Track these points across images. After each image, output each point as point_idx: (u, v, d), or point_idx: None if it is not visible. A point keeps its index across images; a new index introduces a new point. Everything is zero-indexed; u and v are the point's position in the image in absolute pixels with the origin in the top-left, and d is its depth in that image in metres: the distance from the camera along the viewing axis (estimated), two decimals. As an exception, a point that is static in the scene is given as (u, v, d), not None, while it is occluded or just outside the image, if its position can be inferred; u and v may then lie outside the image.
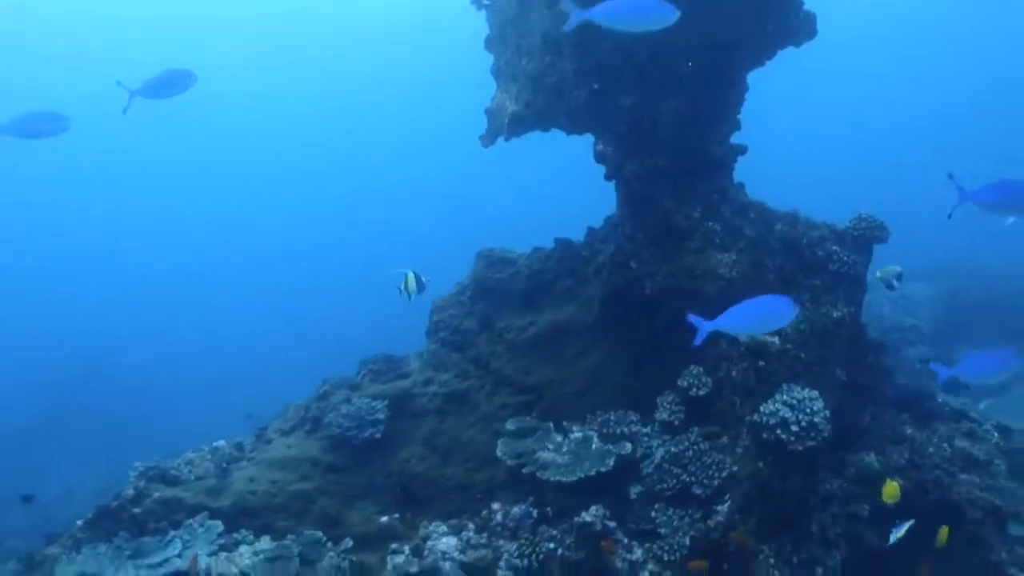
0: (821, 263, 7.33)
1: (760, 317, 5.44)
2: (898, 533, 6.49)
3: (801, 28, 7.14)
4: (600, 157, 6.92)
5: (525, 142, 8.00)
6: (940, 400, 8.03)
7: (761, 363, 6.49)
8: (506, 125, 7.56)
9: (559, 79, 7.03)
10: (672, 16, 5.25)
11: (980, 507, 7.33)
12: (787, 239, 7.37)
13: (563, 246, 7.84)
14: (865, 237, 7.39)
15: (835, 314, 7.16)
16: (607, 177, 6.99)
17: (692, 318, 5.36)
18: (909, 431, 7.61)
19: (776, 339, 6.63)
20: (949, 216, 5.41)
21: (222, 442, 8.04)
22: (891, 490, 6.56)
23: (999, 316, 14.04)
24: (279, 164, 45.45)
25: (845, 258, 7.25)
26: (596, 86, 6.84)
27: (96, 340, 26.21)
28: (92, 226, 41.26)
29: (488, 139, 8.00)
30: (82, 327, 28.19)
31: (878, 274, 7.39)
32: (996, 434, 7.96)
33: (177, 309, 31.43)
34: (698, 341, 5.37)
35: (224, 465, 7.57)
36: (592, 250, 7.69)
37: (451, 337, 7.80)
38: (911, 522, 6.51)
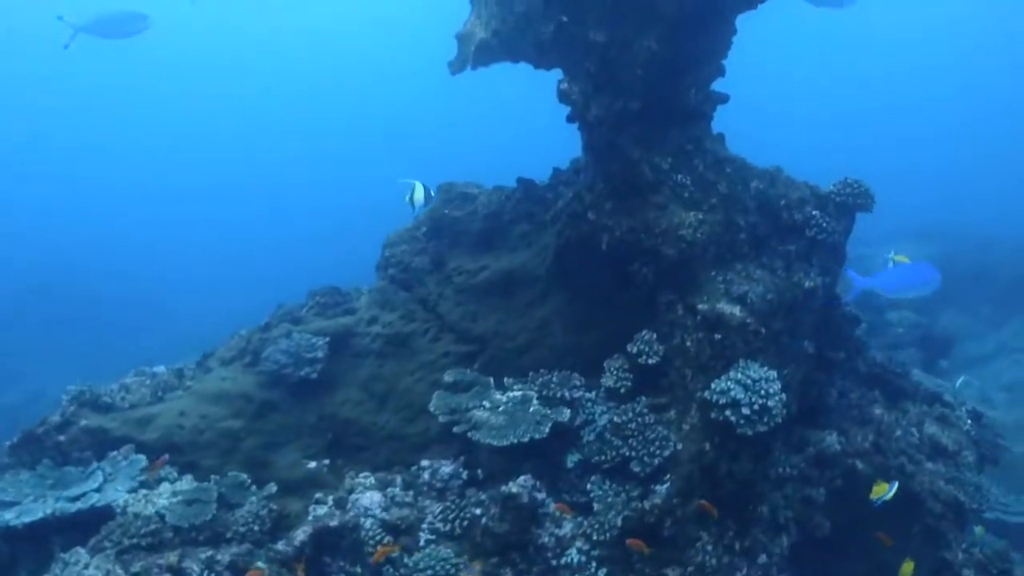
0: (798, 227, 6.61)
1: (912, 282, 5.37)
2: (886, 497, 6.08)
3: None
4: (563, 96, 6.17)
5: (510, 71, 7.26)
6: (915, 380, 7.39)
7: (717, 336, 5.83)
8: (472, 53, 6.80)
9: (528, 7, 6.25)
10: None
11: (942, 500, 6.75)
12: (764, 198, 6.64)
13: (525, 187, 7.13)
14: (848, 204, 6.66)
15: (807, 284, 6.46)
16: (569, 119, 6.25)
17: (850, 272, 5.36)
18: (878, 411, 6.99)
19: (737, 309, 5.96)
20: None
21: (162, 368, 7.51)
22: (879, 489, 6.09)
23: (990, 285, 13.39)
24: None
25: (824, 224, 6.54)
26: (565, 19, 6.07)
27: (70, 249, 25.67)
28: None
29: (457, 66, 7.23)
30: (57, 237, 27.64)
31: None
32: (969, 421, 7.34)
33: (155, 228, 30.80)
34: (851, 297, 5.22)
35: (160, 393, 7.05)
36: (555, 193, 6.98)
37: (400, 274, 7.15)
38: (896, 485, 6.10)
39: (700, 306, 5.92)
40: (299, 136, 41.75)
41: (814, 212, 6.62)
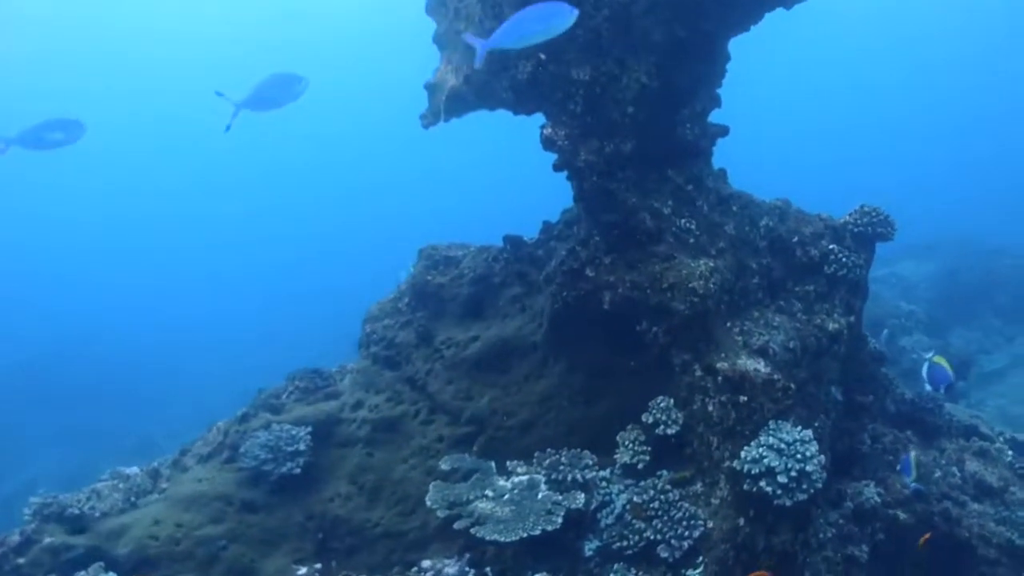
0: (815, 265, 5.74)
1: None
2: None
3: (792, -15, 5.50)
4: (548, 143, 5.25)
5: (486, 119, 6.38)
6: (947, 414, 6.48)
7: (743, 398, 4.91)
8: (443, 103, 5.92)
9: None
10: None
11: (995, 544, 5.83)
12: (775, 236, 5.77)
13: (513, 245, 6.19)
14: (867, 235, 5.79)
15: (831, 326, 5.60)
16: (556, 167, 5.33)
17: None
18: (914, 452, 6.07)
19: (761, 365, 5.05)
20: None
21: (136, 469, 6.55)
22: None
23: (997, 298, 12.53)
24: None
25: (844, 259, 5.67)
26: (543, 56, 5.19)
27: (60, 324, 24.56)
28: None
29: (429, 119, 6.34)
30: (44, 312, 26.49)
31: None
32: (1010, 452, 6.43)
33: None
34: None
35: (133, 499, 6.09)
36: (547, 250, 6.05)
37: (385, 352, 6.19)
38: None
39: (720, 365, 5.00)
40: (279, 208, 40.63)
41: (831, 246, 5.75)
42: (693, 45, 5.48)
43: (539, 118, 5.97)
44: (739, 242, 5.61)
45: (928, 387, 5.53)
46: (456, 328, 6.05)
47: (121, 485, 6.27)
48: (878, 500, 5.68)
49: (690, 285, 5.03)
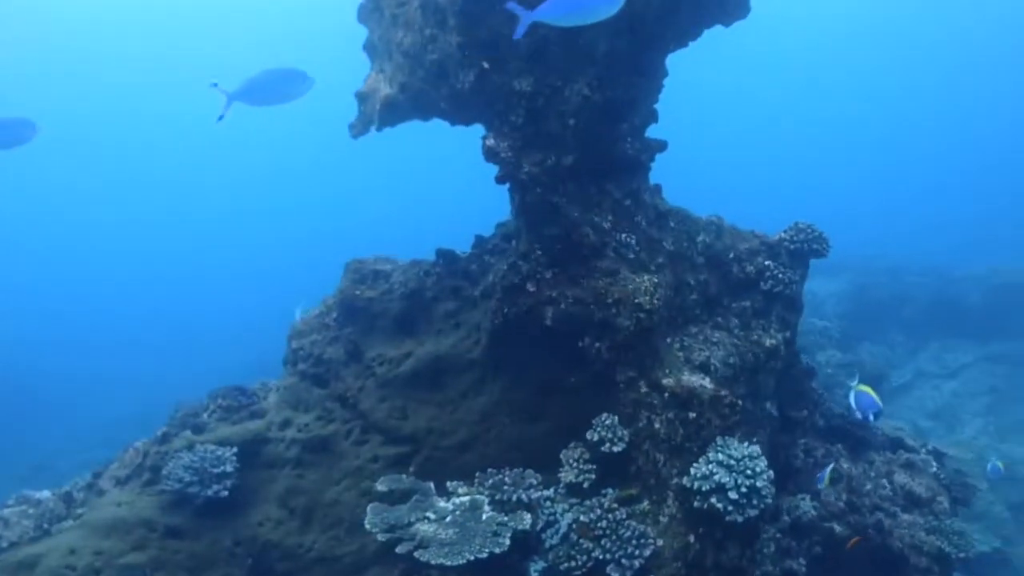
0: (752, 281, 5.72)
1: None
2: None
3: (732, 2, 5.47)
4: (490, 154, 5.08)
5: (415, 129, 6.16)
6: (874, 428, 6.54)
7: (692, 414, 4.81)
8: (377, 112, 5.68)
9: (441, 56, 5.19)
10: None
11: (926, 553, 5.89)
12: (712, 253, 5.72)
13: (446, 259, 5.97)
14: (803, 251, 5.79)
15: (768, 342, 5.58)
16: (499, 179, 5.16)
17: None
18: (845, 466, 6.10)
19: (707, 381, 4.97)
20: None
21: (47, 493, 6.07)
22: None
23: (902, 314, 12.92)
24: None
25: (780, 275, 5.66)
26: (486, 65, 5.02)
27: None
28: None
29: (359, 127, 6.09)
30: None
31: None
32: (934, 463, 6.52)
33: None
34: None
35: (45, 525, 5.63)
36: (481, 264, 5.85)
37: (313, 369, 5.89)
38: None
39: (665, 381, 4.91)
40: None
41: (767, 263, 5.73)
42: (634, 59, 5.40)
43: (466, 131, 5.85)
44: (677, 258, 5.54)
45: (857, 415, 5.54)
46: (387, 344, 5.79)
47: (31, 511, 5.83)
48: (814, 514, 5.69)
49: (636, 301, 4.91)
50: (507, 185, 5.25)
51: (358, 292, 5.96)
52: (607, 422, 4.99)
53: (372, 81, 6.00)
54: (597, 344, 5.03)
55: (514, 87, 5.04)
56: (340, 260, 6.38)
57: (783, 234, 5.84)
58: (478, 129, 5.71)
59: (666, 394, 4.87)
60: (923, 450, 6.59)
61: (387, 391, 5.60)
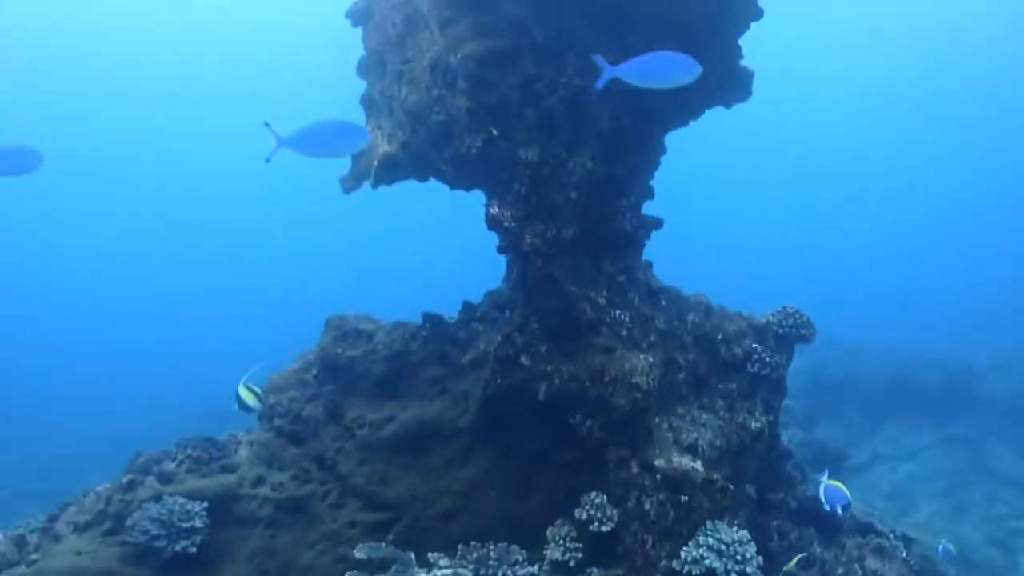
0: (739, 363, 5.70)
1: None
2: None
3: (735, 85, 5.53)
4: (494, 222, 5.01)
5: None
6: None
7: (683, 497, 4.75)
8: (374, 168, 5.59)
9: (447, 118, 5.12)
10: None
11: (900, 641, 5.89)
12: (701, 333, 5.70)
13: (432, 323, 5.84)
14: (790, 336, 5.80)
15: (753, 425, 5.56)
16: (501, 249, 5.08)
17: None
18: (818, 550, 6.09)
19: (699, 464, 4.92)
20: None
21: (-1, 535, 5.75)
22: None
23: (860, 393, 13.11)
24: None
25: (767, 359, 5.65)
26: (495, 132, 4.97)
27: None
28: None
29: (351, 182, 5.99)
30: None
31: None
32: (904, 548, 6.54)
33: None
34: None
35: (-4, 571, 5.33)
36: (468, 331, 5.74)
37: (290, 426, 5.68)
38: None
39: (657, 462, 4.84)
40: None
41: (754, 345, 5.73)
42: (635, 135, 5.41)
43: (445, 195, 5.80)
44: (668, 336, 5.51)
45: (827, 507, 5.54)
46: (368, 406, 5.63)
47: (-21, 557, 5.49)
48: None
49: (633, 380, 4.85)
50: (506, 254, 5.18)
51: (340, 350, 5.80)
52: (596, 501, 4.90)
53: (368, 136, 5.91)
54: (589, 422, 4.95)
55: (520, 156, 5.00)
56: (313, 311, 6.25)
57: (771, 317, 5.85)
58: (467, 195, 5.70)
59: (658, 476, 4.80)
60: (892, 535, 6.62)
61: (368, 454, 5.42)
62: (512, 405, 5.09)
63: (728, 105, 5.63)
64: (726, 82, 5.46)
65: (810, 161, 40.14)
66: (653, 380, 4.95)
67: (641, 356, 5.02)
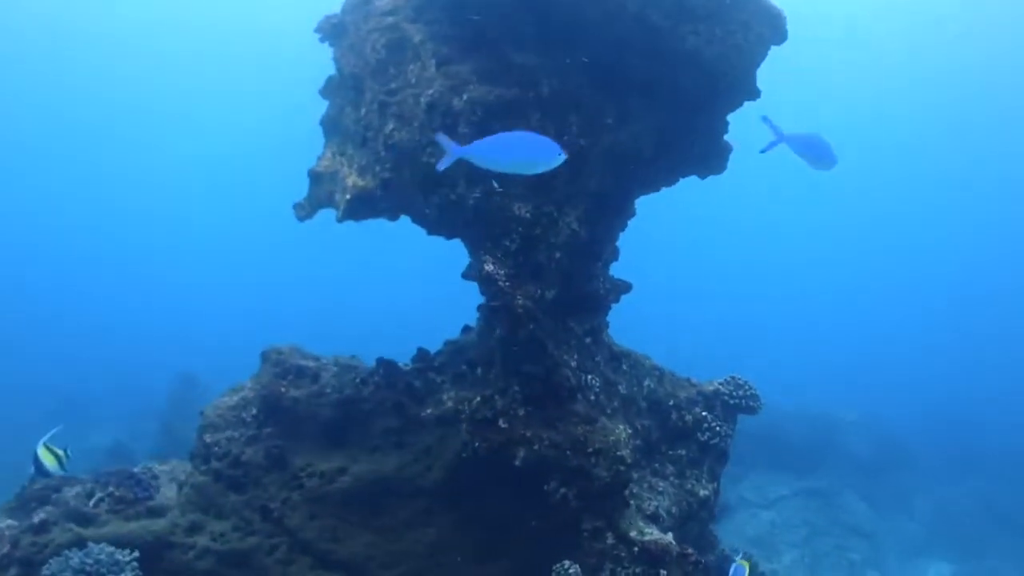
0: (689, 430, 5.73)
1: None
2: None
3: (714, 157, 5.56)
4: (488, 280, 4.77)
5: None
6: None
7: (662, 572, 4.71)
8: (346, 202, 5.19)
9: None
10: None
11: None
12: (654, 398, 5.70)
13: (386, 369, 5.50)
14: (739, 406, 5.89)
15: (701, 492, 5.61)
16: (494, 309, 4.85)
17: (439, 137, 4.26)
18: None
19: (671, 536, 4.90)
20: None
21: None
22: None
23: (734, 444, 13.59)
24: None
25: (717, 428, 5.72)
26: (497, 186, 4.76)
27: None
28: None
29: (308, 210, 5.57)
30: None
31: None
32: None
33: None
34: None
35: None
36: (425, 381, 5.43)
37: (229, 470, 5.18)
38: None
39: (633, 534, 4.78)
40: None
41: (704, 414, 5.78)
42: (615, 198, 5.35)
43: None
44: (628, 402, 5.47)
45: None
46: (315, 453, 5.22)
47: None
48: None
49: (618, 453, 4.77)
50: (495, 314, 4.94)
51: (283, 389, 5.37)
52: (570, 570, 4.77)
53: (330, 162, 5.51)
54: (564, 490, 4.81)
55: (514, 211, 4.81)
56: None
57: (720, 386, 5.91)
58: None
59: (635, 548, 4.74)
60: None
61: (318, 508, 5.03)
62: (485, 468, 4.88)
63: (703, 176, 5.66)
64: (708, 153, 5.49)
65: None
66: (631, 451, 4.89)
67: (620, 427, 4.95)
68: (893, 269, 36.73)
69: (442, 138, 4.22)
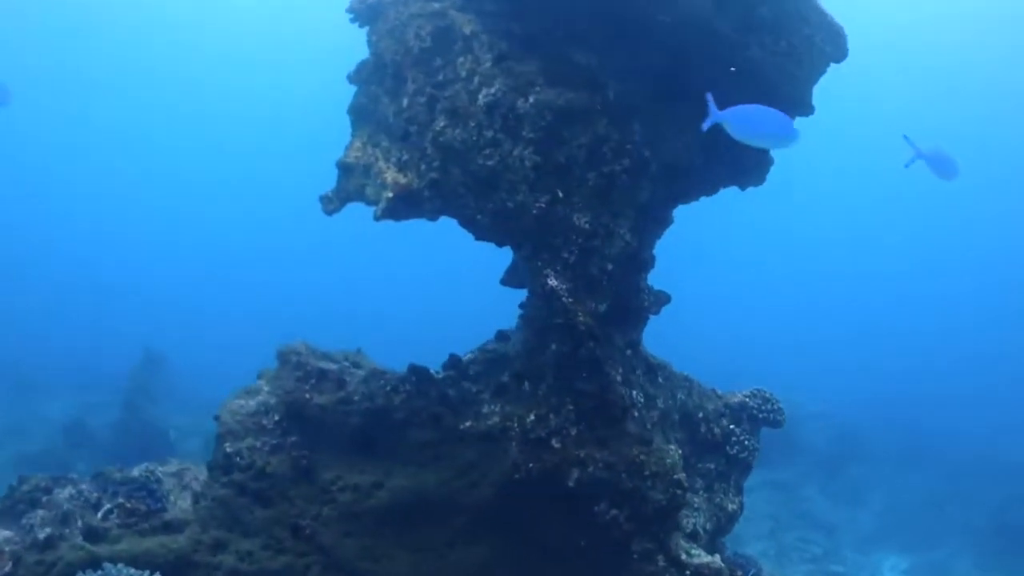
0: (717, 443, 5.64)
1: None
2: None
3: (758, 169, 5.42)
4: (551, 295, 4.54)
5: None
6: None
7: (716, 595, 4.62)
8: (387, 199, 4.85)
9: (500, 167, 4.57)
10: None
11: None
12: (685, 411, 5.57)
13: (419, 377, 5.17)
14: (766, 420, 5.82)
15: (730, 507, 5.55)
16: (558, 326, 4.61)
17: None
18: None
19: (717, 558, 4.81)
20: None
21: None
22: None
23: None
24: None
25: (746, 441, 5.64)
26: (561, 194, 4.52)
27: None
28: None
29: (335, 203, 5.20)
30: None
31: None
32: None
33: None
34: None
35: None
36: (460, 391, 5.15)
37: (254, 483, 4.82)
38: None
39: (683, 558, 4.67)
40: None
41: (732, 427, 5.69)
42: (657, 208, 5.17)
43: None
44: (664, 417, 5.33)
45: None
46: (343, 465, 4.91)
47: None
48: None
49: (675, 476, 4.63)
50: (559, 330, 4.69)
51: (307, 395, 5.03)
52: (612, 597, 4.62)
53: (363, 155, 5.15)
54: (615, 511, 4.65)
55: (574, 222, 4.59)
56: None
57: (746, 398, 5.82)
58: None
59: (687, 572, 4.62)
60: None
61: (353, 525, 4.73)
62: (536, 488, 4.67)
63: (743, 188, 5.53)
64: (756, 166, 5.36)
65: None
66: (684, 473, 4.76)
67: (673, 447, 4.81)
68: (854, 264, 37.59)
69: (709, 98, 4.36)
